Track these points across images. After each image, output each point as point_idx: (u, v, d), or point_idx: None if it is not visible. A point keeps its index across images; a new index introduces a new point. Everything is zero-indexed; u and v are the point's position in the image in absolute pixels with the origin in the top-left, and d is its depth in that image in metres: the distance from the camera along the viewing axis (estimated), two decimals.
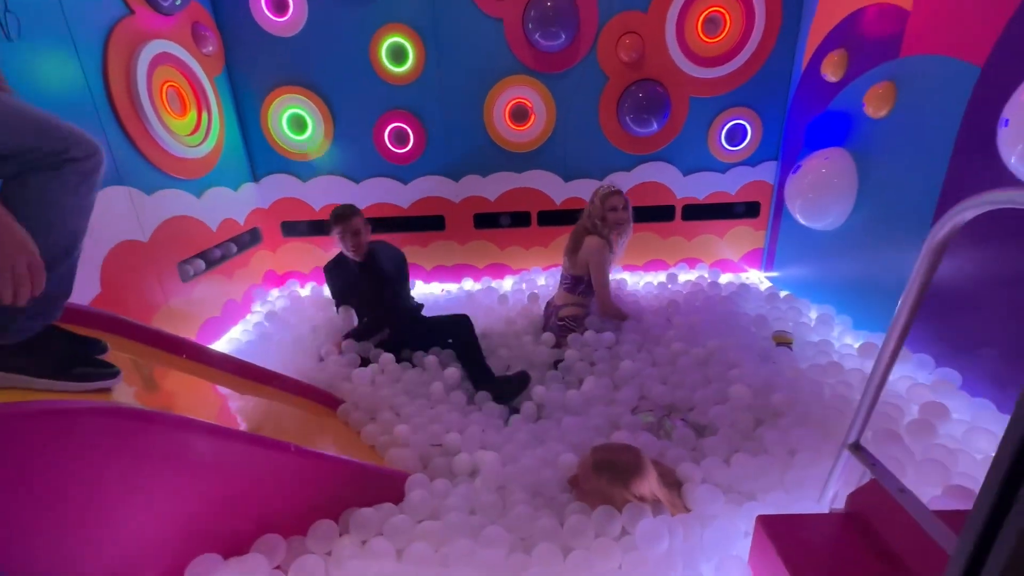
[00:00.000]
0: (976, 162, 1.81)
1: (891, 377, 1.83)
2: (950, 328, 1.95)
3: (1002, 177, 1.57)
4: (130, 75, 2.21)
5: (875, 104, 2.25)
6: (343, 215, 2.41)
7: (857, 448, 1.15)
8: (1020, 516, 0.45)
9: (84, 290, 1.93)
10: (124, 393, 1.77)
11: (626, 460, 1.42)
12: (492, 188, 3.31)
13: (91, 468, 0.99)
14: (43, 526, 0.95)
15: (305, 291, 3.33)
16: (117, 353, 1.72)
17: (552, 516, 1.42)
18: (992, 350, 1.80)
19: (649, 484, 1.39)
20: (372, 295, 2.53)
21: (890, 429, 1.57)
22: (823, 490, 1.25)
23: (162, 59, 2.40)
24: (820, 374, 2.00)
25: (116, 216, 2.13)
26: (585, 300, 2.64)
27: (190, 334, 2.51)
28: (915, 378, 1.93)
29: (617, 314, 2.57)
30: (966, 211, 0.80)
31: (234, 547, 1.27)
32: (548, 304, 2.77)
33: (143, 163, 2.28)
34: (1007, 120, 1.49)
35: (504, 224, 3.43)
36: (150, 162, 2.31)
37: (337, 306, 2.64)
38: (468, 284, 3.40)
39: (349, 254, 2.48)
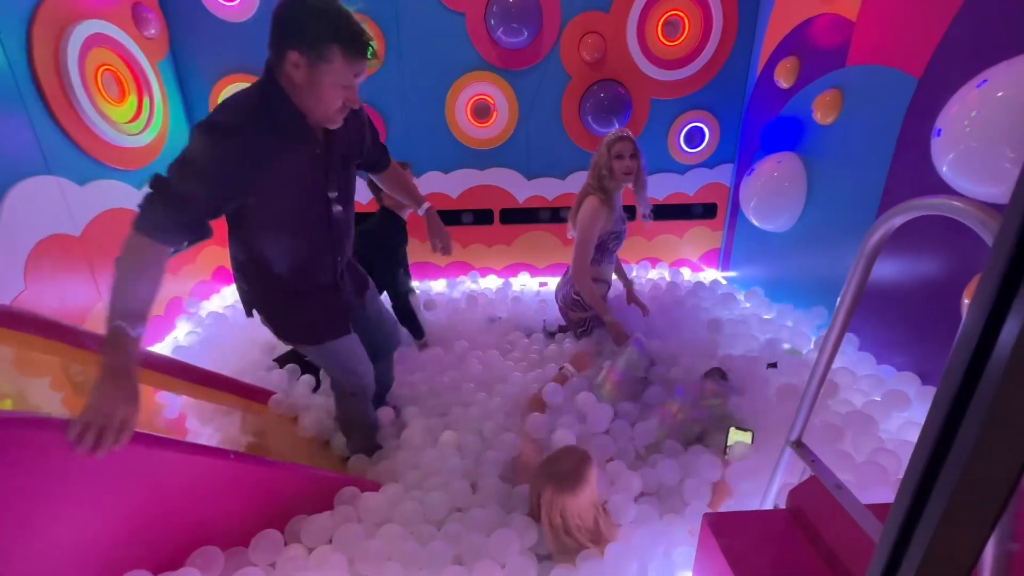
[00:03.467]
0: (913, 169, 1.90)
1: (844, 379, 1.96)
2: (889, 324, 2.04)
3: (935, 184, 1.65)
4: (59, 56, 2.05)
5: (823, 111, 2.33)
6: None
7: (799, 445, 1.18)
8: (938, 506, 0.46)
9: (5, 287, 1.78)
10: (50, 400, 1.66)
11: (569, 467, 1.36)
12: (454, 185, 3.27)
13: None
14: None
15: None
16: (44, 356, 1.61)
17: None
18: (924, 344, 1.91)
19: (586, 497, 1.33)
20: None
21: (835, 424, 1.63)
22: (767, 487, 1.28)
23: (97, 40, 2.24)
24: (769, 371, 2.07)
25: (43, 208, 1.97)
26: (596, 272, 2.36)
27: None
28: (857, 372, 2.01)
29: (590, 295, 2.27)
30: (894, 218, 0.82)
31: (166, 561, 1.19)
32: (560, 283, 2.54)
33: (75, 151, 2.12)
34: (939, 130, 1.56)
35: (466, 222, 3.39)
36: (83, 150, 2.15)
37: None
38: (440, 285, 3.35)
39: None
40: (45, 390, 1.65)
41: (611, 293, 2.57)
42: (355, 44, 1.18)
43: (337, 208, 1.45)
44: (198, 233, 1.24)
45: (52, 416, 1.03)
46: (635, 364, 1.99)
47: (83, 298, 2.14)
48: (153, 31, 2.62)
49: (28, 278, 1.86)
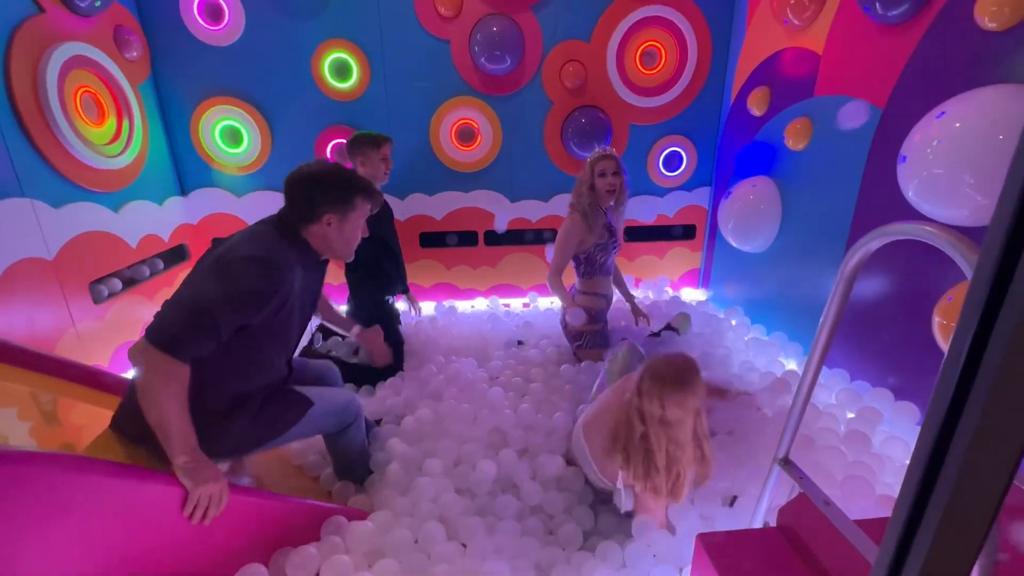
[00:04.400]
0: (881, 193, 2.00)
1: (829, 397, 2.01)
2: (862, 341, 2.12)
3: (902, 208, 1.73)
4: (37, 78, 2.02)
5: (794, 138, 2.44)
6: (384, 136, 2.39)
7: (786, 463, 1.20)
8: (933, 521, 0.47)
9: None
10: (17, 430, 1.58)
11: (680, 369, 1.32)
12: (438, 207, 3.29)
13: None
14: None
15: None
16: (11, 385, 1.54)
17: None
18: (902, 360, 1.97)
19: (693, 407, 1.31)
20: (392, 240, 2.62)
21: (824, 442, 1.67)
22: (756, 505, 1.30)
23: (77, 62, 2.22)
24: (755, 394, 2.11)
25: (15, 231, 1.92)
26: (591, 285, 2.51)
27: (102, 361, 2.28)
28: (836, 390, 2.07)
29: (556, 289, 2.42)
30: (871, 242, 0.87)
31: None
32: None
33: (50, 173, 2.08)
34: (904, 157, 1.66)
35: (451, 243, 3.41)
36: (59, 172, 2.11)
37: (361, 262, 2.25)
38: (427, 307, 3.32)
39: (379, 179, 2.40)
40: (13, 420, 1.58)
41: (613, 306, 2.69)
42: (371, 188, 1.49)
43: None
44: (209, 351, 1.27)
45: (25, 449, 0.99)
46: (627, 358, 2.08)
47: (54, 324, 2.07)
48: (135, 53, 2.61)
49: None
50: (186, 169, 3.04)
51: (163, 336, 1.18)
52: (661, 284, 3.42)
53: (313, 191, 1.39)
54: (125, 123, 2.51)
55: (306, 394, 1.55)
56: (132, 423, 1.28)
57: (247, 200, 3.13)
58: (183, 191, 3.07)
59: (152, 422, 1.17)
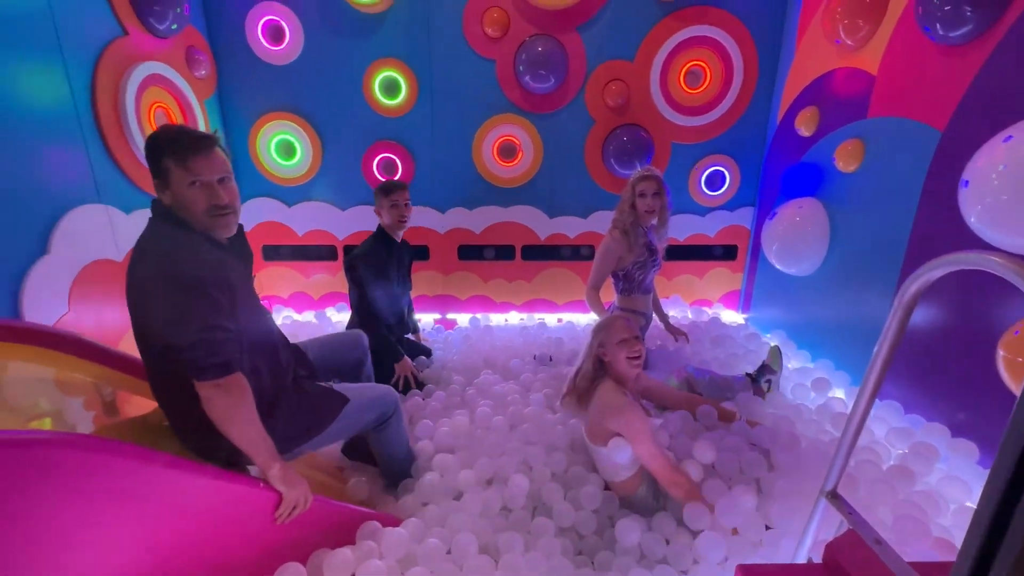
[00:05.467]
0: (940, 218, 1.91)
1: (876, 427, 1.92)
2: (917, 374, 2.01)
3: (963, 234, 1.65)
4: (118, 94, 2.19)
5: (845, 159, 2.37)
6: (400, 183, 2.41)
7: (834, 496, 1.15)
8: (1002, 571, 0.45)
9: (51, 309, 1.86)
10: (84, 419, 1.69)
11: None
12: (478, 221, 3.34)
13: (31, 500, 0.93)
14: None
15: (279, 317, 3.28)
16: (79, 376, 1.66)
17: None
18: (967, 399, 1.86)
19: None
20: (402, 283, 2.56)
21: (872, 476, 1.59)
22: (800, 539, 1.25)
23: (152, 80, 2.40)
24: (799, 418, 2.03)
25: (91, 235, 2.07)
26: (630, 302, 2.49)
27: None
28: (894, 424, 1.97)
29: (593, 305, 2.42)
30: (932, 271, 0.83)
31: None
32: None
33: (124, 182, 2.24)
34: (967, 181, 1.58)
35: (488, 257, 3.45)
36: (132, 181, 2.27)
37: (360, 307, 2.39)
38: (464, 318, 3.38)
39: (396, 227, 2.43)
40: (80, 409, 1.69)
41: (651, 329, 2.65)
42: (176, 148, 1.25)
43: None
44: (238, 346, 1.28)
45: (92, 435, 1.06)
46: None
47: (119, 322, 2.21)
48: (203, 71, 2.80)
49: (72, 301, 1.93)
50: (243, 179, 3.21)
51: (209, 368, 1.19)
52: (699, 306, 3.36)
53: (149, 160, 1.30)
54: None
55: (343, 390, 1.61)
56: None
57: (296, 210, 3.28)
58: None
59: (243, 446, 1.25)
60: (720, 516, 1.51)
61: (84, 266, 2.01)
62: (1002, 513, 0.46)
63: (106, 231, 2.14)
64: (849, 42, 2.32)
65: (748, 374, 2.30)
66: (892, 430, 1.88)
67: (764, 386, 2.24)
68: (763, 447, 1.80)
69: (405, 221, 2.44)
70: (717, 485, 1.60)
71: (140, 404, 1.77)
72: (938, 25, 1.81)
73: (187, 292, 1.19)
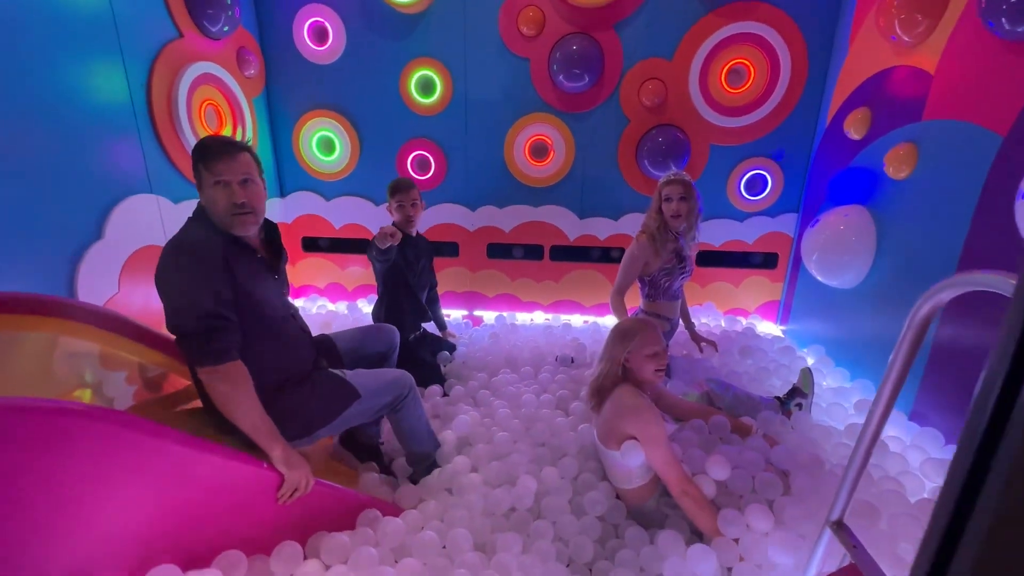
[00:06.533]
0: (995, 230, 1.74)
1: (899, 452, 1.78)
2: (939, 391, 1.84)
3: (1019, 248, 1.50)
4: (172, 92, 2.35)
5: (896, 165, 2.21)
6: (406, 184, 2.45)
7: (840, 527, 1.08)
8: None
9: (102, 290, 2.02)
10: (125, 392, 1.83)
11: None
12: (507, 220, 3.35)
13: (57, 467, 1.01)
14: (8, 523, 0.97)
15: (314, 307, 3.42)
16: (123, 355, 1.80)
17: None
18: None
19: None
20: (421, 276, 2.62)
21: (899, 508, 1.48)
22: (805, 570, 1.18)
23: (205, 79, 2.56)
24: (827, 440, 1.91)
25: (142, 222, 2.24)
26: (655, 308, 2.44)
27: None
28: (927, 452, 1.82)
29: (617, 311, 2.35)
30: (943, 292, 0.77)
31: (195, 559, 1.27)
32: None
33: (174, 173, 2.40)
34: None
35: (517, 256, 3.46)
36: (181, 173, 2.43)
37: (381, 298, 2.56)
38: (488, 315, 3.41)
39: (405, 225, 2.48)
40: (121, 383, 1.84)
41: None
42: (207, 155, 1.38)
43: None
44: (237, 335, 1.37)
45: (115, 409, 1.15)
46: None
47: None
48: (252, 71, 2.95)
49: (122, 283, 2.10)
50: (286, 174, 3.37)
51: (207, 355, 1.29)
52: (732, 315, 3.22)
53: (193, 168, 1.43)
54: (239, 132, 2.84)
55: (356, 377, 1.67)
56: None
57: (334, 203, 3.40)
58: (282, 193, 3.41)
59: (246, 429, 1.33)
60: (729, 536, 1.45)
61: (134, 251, 2.18)
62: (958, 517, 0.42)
63: (155, 219, 2.31)
64: (906, 38, 2.15)
65: (777, 397, 2.17)
66: (928, 460, 1.73)
67: (793, 409, 2.11)
68: (781, 468, 1.71)
69: (412, 220, 2.49)
70: (731, 515, 1.51)
71: (175, 382, 1.90)
72: (1004, 19, 1.65)
73: (188, 282, 1.31)
